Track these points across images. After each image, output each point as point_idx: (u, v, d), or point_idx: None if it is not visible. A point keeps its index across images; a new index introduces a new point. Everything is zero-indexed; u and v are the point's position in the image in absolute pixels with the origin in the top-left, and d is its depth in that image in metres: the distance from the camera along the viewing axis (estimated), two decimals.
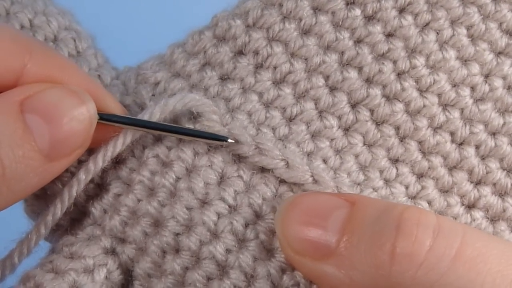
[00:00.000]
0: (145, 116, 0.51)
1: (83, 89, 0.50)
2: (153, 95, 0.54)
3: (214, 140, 0.52)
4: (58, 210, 0.51)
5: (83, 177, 0.51)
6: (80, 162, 0.52)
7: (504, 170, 0.53)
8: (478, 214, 0.53)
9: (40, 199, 0.54)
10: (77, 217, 0.54)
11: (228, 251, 0.50)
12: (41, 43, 0.51)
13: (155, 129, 0.52)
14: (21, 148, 0.46)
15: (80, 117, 0.49)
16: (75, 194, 0.51)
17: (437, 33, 0.53)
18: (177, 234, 0.51)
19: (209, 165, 0.52)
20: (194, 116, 0.52)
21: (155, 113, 0.51)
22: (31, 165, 0.47)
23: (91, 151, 0.52)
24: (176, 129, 0.52)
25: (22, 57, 0.48)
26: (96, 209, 0.53)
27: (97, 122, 0.50)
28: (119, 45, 0.71)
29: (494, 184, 0.53)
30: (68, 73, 0.50)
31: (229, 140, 0.51)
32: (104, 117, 0.51)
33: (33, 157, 0.47)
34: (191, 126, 0.52)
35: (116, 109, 0.52)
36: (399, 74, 0.53)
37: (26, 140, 0.47)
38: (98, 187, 0.54)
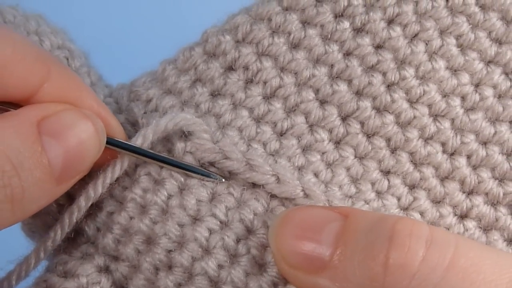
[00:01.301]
0: (138, 139, 0.52)
1: (94, 113, 0.50)
2: (145, 112, 0.55)
3: (207, 176, 0.52)
4: (58, 236, 0.52)
5: (83, 204, 0.52)
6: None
7: (496, 179, 0.53)
8: (470, 224, 0.53)
9: (36, 217, 0.54)
10: (71, 235, 0.54)
11: (220, 266, 0.50)
12: (60, 64, 0.51)
13: (158, 160, 0.52)
14: (38, 170, 0.47)
15: (91, 142, 0.49)
16: (75, 220, 0.52)
17: (426, 44, 0.53)
18: (170, 251, 0.51)
19: (201, 184, 0.52)
20: (185, 134, 0.52)
21: (147, 135, 0.51)
22: (44, 187, 0.47)
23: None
24: (175, 163, 0.52)
25: (42, 76, 0.49)
26: (89, 228, 0.53)
27: None
28: (113, 61, 0.71)
29: (487, 194, 0.53)
30: (81, 95, 0.51)
31: (223, 180, 0.52)
32: (107, 141, 0.51)
33: (47, 180, 0.47)
34: (183, 144, 0.52)
35: (119, 132, 0.53)
36: (389, 86, 0.53)
37: (42, 163, 0.47)
38: (92, 205, 0.53)
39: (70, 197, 0.53)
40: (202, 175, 0.52)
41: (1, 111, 0.49)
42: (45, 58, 0.49)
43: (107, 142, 0.51)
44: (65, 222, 0.51)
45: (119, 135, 0.53)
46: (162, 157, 0.52)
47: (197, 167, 0.52)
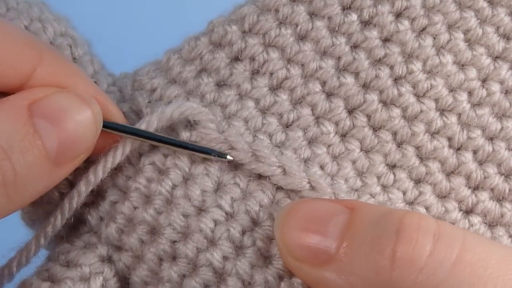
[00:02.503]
0: (142, 125, 0.51)
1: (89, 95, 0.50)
2: (149, 102, 0.54)
3: (212, 155, 0.51)
4: (58, 221, 0.51)
5: (84, 189, 0.51)
6: (77, 170, 0.51)
7: (502, 175, 0.53)
8: (476, 219, 0.53)
9: (37, 206, 0.54)
10: (73, 224, 0.54)
11: (225, 258, 0.50)
12: (53, 49, 0.51)
13: (157, 141, 0.52)
14: (31, 153, 0.46)
15: (87, 122, 0.49)
16: (75, 206, 0.51)
17: (434, 38, 0.53)
18: (174, 242, 0.51)
19: (205, 173, 0.51)
20: (191, 123, 0.52)
21: (152, 121, 0.51)
22: (40, 170, 0.47)
23: (88, 160, 0.51)
24: (178, 143, 0.52)
25: (33, 62, 0.48)
26: (92, 217, 0.53)
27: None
28: (116, 50, 0.71)
29: (492, 189, 0.53)
30: (75, 80, 0.50)
31: (228, 157, 0.51)
32: (107, 125, 0.51)
33: (42, 162, 0.47)
34: (188, 133, 0.52)
35: (118, 118, 0.52)
36: (396, 80, 0.52)
37: (36, 145, 0.46)
38: (95, 194, 0.53)
39: (72, 185, 0.53)
40: (206, 153, 0.51)
41: None
42: (35, 44, 0.49)
43: (108, 127, 0.51)
44: (65, 207, 0.51)
45: (119, 121, 0.52)
46: (163, 137, 0.51)
47: (198, 145, 0.51)
